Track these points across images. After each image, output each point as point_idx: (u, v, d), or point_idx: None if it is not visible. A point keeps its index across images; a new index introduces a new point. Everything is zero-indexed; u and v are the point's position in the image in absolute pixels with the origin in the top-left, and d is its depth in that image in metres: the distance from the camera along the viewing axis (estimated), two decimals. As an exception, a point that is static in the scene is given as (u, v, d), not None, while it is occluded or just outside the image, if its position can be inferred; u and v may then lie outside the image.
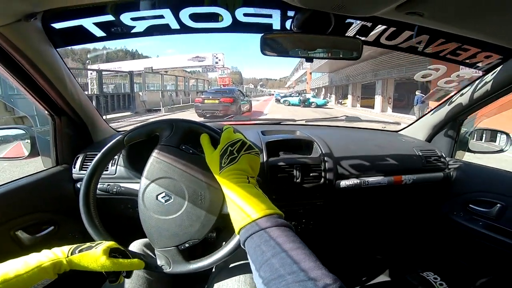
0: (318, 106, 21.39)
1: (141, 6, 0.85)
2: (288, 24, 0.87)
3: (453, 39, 0.86)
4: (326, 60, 18.33)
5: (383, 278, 1.33)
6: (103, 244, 0.57)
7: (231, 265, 0.74)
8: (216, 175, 0.58)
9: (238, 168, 0.57)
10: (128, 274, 0.60)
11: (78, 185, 1.00)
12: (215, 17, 0.87)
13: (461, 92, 1.16)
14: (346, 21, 0.85)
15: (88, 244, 0.57)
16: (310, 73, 36.49)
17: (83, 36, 0.84)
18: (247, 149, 0.60)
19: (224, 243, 0.62)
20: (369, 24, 0.87)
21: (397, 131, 1.53)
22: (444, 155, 1.27)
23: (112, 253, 0.57)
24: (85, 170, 0.95)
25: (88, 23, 0.82)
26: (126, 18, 0.85)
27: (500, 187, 1.10)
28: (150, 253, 0.78)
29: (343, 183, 1.07)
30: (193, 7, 0.84)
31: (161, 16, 0.86)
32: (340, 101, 24.88)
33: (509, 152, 1.39)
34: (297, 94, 25.87)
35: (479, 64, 0.98)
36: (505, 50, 0.90)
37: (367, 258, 1.50)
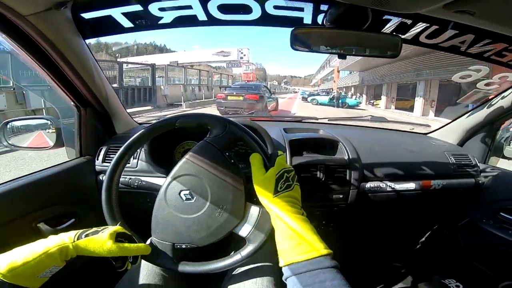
0: (350, 106, 19.57)
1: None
2: (320, 18, 0.83)
3: (501, 40, 0.80)
4: (358, 58, 17.17)
5: (403, 284, 1.30)
6: (109, 228, 0.56)
7: (248, 267, 0.73)
8: (268, 198, 0.57)
9: (294, 196, 0.58)
10: (135, 260, 0.59)
11: (101, 177, 1.00)
12: (244, 9, 0.84)
13: (502, 95, 1.09)
14: (384, 17, 0.80)
15: (94, 228, 0.56)
16: (338, 71, 35.28)
17: (112, 26, 0.82)
18: (297, 180, 0.61)
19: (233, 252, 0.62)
20: (409, 22, 0.82)
21: (426, 133, 1.47)
22: (477, 161, 1.22)
23: (118, 237, 0.56)
24: (108, 162, 0.94)
25: (116, 13, 0.81)
26: (154, 8, 0.83)
27: None
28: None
29: (368, 186, 1.04)
30: (222, -3, 0.82)
31: (189, 7, 0.83)
32: (372, 101, 23.09)
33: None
34: (326, 93, 25.02)
35: (527, 67, 0.91)
36: (557, 53, 0.83)
37: (388, 264, 1.46)
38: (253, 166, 0.62)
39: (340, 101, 19.72)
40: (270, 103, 10.71)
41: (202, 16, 0.85)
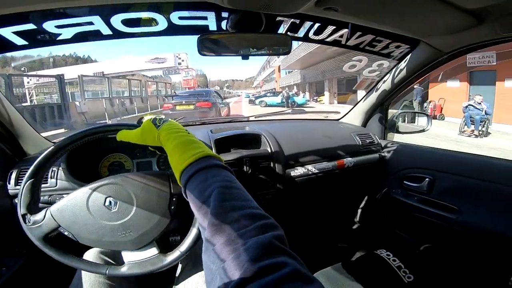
0: (299, 105, 18.65)
1: (66, 14, 0.81)
2: (224, 24, 0.90)
3: (368, 32, 0.98)
4: (299, 57, 17.96)
5: (340, 261, 1.41)
6: None
7: (195, 262, 0.76)
8: (154, 135, 0.56)
9: (174, 123, 0.58)
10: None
11: (16, 200, 0.92)
12: (150, 22, 0.87)
13: (383, 80, 1.31)
14: (277, 19, 0.91)
15: None
16: (279, 71, 34.69)
17: (2, 45, 0.77)
18: None
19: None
20: (297, 21, 0.95)
21: (338, 119, 1.66)
22: (377, 138, 1.42)
23: None
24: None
25: (6, 32, 0.76)
26: (50, 26, 0.81)
27: (427, 162, 1.24)
28: (108, 259, 0.78)
29: (293, 172, 1.14)
30: (124, 13, 0.83)
31: (90, 23, 0.83)
32: (316, 98, 22.77)
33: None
34: (273, 94, 23.44)
35: (393, 54, 1.13)
36: (411, 40, 1.05)
37: (325, 243, 1.58)
38: (125, 137, 0.63)
39: (289, 100, 19.12)
40: (222, 108, 9.97)
41: (106, 31, 0.85)
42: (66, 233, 0.61)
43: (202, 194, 0.41)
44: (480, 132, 7.54)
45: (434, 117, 10.11)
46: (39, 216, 0.61)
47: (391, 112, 1.50)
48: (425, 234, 1.26)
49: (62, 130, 8.23)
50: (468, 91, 9.63)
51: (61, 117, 9.53)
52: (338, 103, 19.96)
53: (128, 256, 0.65)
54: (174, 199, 0.64)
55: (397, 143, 1.41)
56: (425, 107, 10.83)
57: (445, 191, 1.15)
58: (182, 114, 8.27)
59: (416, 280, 1.03)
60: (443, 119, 10.20)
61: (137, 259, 0.65)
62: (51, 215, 0.61)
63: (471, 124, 7.66)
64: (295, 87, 28.71)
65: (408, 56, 1.13)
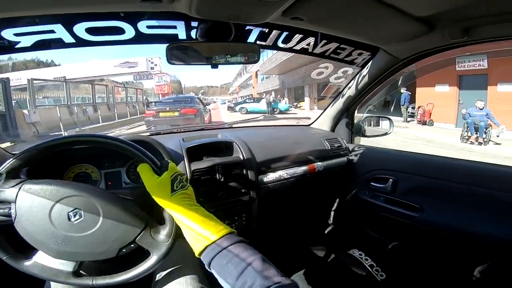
0: (281, 112, 17.98)
1: (25, 22, 0.77)
2: (193, 33, 0.91)
3: (333, 40, 1.04)
4: (277, 62, 17.65)
5: (315, 263, 1.45)
6: None
7: (171, 270, 0.75)
8: (166, 198, 0.60)
9: (189, 194, 0.63)
10: None
11: None
12: (115, 30, 0.85)
13: (348, 86, 1.38)
14: (246, 28, 0.94)
15: None
16: (256, 77, 33.50)
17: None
18: (192, 182, 0.67)
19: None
20: (266, 30, 0.98)
21: (309, 125, 1.71)
22: (345, 142, 1.48)
23: None
24: None
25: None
26: (8, 33, 0.76)
27: (391, 164, 1.31)
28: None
29: (266, 178, 1.16)
30: (88, 22, 0.81)
31: (52, 31, 0.80)
32: (295, 104, 21.92)
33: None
34: (253, 100, 21.94)
35: (356, 61, 1.20)
36: (372, 48, 1.13)
37: (300, 245, 1.61)
38: (143, 175, 0.64)
39: (271, 107, 18.34)
40: (205, 115, 9.66)
41: (68, 39, 0.82)
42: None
43: (232, 272, 0.50)
44: (485, 140, 7.17)
45: (424, 123, 10.15)
46: None
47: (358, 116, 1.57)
48: (393, 233, 1.32)
49: (8, 144, 6.68)
50: (458, 95, 9.47)
51: (5, 128, 8.21)
52: (318, 108, 19.28)
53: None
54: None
55: (363, 146, 1.48)
56: (412, 112, 10.89)
57: (408, 190, 1.22)
58: (166, 121, 8.12)
59: (388, 278, 1.08)
60: (432, 125, 10.01)
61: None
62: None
63: (475, 131, 7.25)
64: (273, 93, 27.97)
65: (370, 63, 1.21)
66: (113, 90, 15.98)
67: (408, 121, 10.99)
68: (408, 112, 11.10)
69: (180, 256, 0.62)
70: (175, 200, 0.60)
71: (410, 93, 10.98)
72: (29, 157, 0.62)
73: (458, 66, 8.90)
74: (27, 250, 0.62)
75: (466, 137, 7.47)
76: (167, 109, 8.73)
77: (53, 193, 0.59)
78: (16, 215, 0.58)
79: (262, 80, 32.00)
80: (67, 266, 0.63)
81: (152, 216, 0.65)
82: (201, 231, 0.55)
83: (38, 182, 0.60)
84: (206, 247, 0.54)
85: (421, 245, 1.21)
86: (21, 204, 0.58)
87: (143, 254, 0.65)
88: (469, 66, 8.68)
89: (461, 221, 1.04)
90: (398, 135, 7.84)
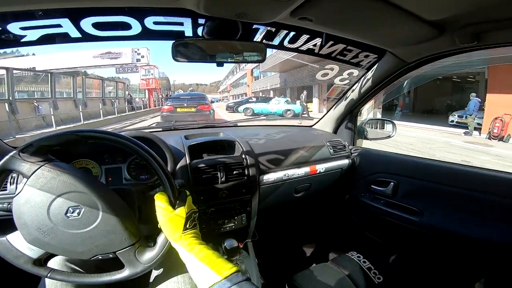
0: (295, 114, 14.63)
1: (32, 15, 0.77)
2: (199, 31, 0.90)
3: (340, 41, 1.04)
4: (281, 60, 16.06)
5: (314, 263, 1.42)
6: None
7: (168, 269, 0.76)
8: (178, 234, 0.61)
9: (197, 233, 0.65)
10: None
11: None
12: (122, 26, 0.85)
13: (352, 88, 1.37)
14: (253, 27, 0.93)
15: None
16: (252, 75, 31.28)
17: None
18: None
19: None
20: (273, 30, 0.97)
21: (311, 126, 1.70)
22: (347, 144, 1.47)
23: None
24: None
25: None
26: (14, 27, 0.76)
27: (392, 167, 1.31)
28: (75, 266, 0.76)
29: (266, 177, 1.16)
30: (95, 17, 0.80)
31: (58, 25, 0.79)
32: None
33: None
34: (261, 100, 18.91)
35: (362, 63, 1.19)
36: (379, 50, 1.12)
37: (300, 245, 1.61)
38: (159, 205, 0.64)
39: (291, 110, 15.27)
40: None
41: (74, 34, 0.82)
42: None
43: None
44: None
45: (501, 139, 8.09)
46: None
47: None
48: (392, 236, 1.32)
49: None
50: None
51: None
52: (328, 110, 18.10)
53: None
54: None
55: (365, 149, 1.47)
56: (479, 123, 8.81)
57: (408, 194, 1.22)
58: (184, 117, 8.24)
59: (385, 281, 1.09)
60: (508, 141, 8.04)
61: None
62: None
63: None
64: (271, 92, 25.67)
65: (375, 66, 1.20)
66: (84, 82, 13.17)
67: (471, 135, 8.95)
68: (474, 123, 9.02)
69: (177, 255, 0.62)
70: (185, 237, 0.61)
71: (480, 100, 9.25)
72: (66, 140, 0.60)
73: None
74: (6, 227, 0.62)
75: None
76: (185, 104, 8.97)
77: (66, 184, 0.58)
78: (21, 190, 0.57)
79: (258, 78, 29.61)
80: (33, 253, 0.62)
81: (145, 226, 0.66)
82: (207, 269, 0.56)
83: (61, 167, 0.59)
84: (213, 285, 0.54)
85: (420, 249, 1.22)
86: (33, 183, 0.57)
87: (116, 263, 0.64)
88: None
89: (460, 226, 1.04)
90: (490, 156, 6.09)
